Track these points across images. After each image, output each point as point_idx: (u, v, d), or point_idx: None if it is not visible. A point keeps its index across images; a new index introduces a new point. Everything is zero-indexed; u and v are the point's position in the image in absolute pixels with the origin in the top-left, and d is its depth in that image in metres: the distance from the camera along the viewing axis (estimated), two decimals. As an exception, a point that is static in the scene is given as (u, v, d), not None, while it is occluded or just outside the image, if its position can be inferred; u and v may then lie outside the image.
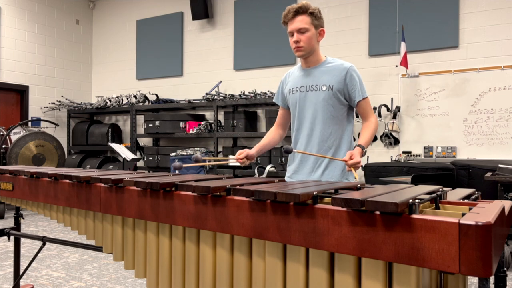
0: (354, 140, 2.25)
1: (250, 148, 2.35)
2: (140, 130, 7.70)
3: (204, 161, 2.01)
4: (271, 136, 2.38)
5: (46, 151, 6.56)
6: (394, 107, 5.59)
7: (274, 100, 2.41)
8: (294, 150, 1.97)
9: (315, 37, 2.12)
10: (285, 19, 2.13)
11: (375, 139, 5.75)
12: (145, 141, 7.77)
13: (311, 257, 1.18)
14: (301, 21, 2.07)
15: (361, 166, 1.89)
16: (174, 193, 1.48)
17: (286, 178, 2.28)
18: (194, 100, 6.87)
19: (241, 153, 2.19)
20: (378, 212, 1.05)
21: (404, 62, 5.26)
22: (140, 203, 1.58)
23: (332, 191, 1.36)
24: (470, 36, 5.28)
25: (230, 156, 2.28)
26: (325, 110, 2.12)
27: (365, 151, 2.00)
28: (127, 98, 7.51)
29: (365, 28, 5.89)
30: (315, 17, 2.10)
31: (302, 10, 2.08)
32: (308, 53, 2.13)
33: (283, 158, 5.85)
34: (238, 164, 2.19)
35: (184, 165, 1.90)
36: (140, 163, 7.34)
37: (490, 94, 5.11)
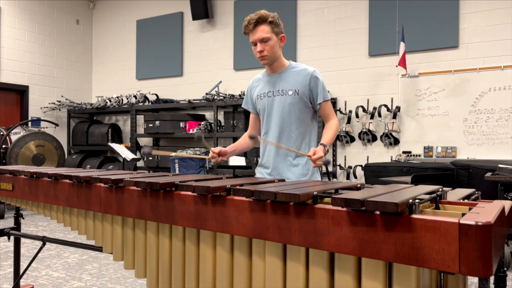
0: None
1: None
2: (140, 130, 7.70)
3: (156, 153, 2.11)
4: (245, 140, 2.45)
5: (46, 151, 6.56)
6: (394, 107, 5.59)
7: (243, 106, 2.49)
8: (260, 137, 2.06)
9: (277, 44, 2.20)
10: (245, 30, 2.19)
11: (375, 139, 5.75)
12: (145, 141, 7.77)
13: (311, 257, 1.18)
14: (262, 31, 2.14)
15: (327, 162, 2.02)
16: (174, 193, 1.48)
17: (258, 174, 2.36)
18: (194, 100, 6.87)
19: (216, 148, 2.25)
20: (378, 212, 1.05)
21: (402, 63, 5.26)
22: (140, 203, 1.58)
23: (332, 191, 1.36)
24: (470, 36, 5.28)
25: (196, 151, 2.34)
26: (292, 114, 2.22)
27: (328, 149, 2.12)
28: (127, 98, 7.51)
29: (365, 28, 5.89)
30: (275, 24, 2.16)
31: (261, 20, 2.14)
32: (272, 60, 2.22)
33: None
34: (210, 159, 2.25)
35: (154, 152, 2.02)
36: (140, 163, 7.34)
37: (490, 94, 5.11)
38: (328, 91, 5.98)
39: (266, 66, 2.29)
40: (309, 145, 2.25)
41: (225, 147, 2.29)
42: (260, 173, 2.36)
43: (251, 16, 2.16)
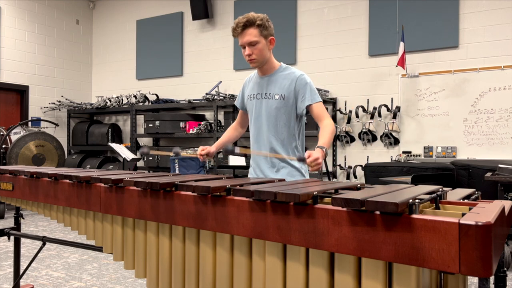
0: (307, 149, 2.33)
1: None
2: (140, 130, 7.70)
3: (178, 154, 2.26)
4: (230, 134, 2.48)
5: (46, 151, 6.56)
6: (394, 107, 5.59)
7: (235, 103, 2.50)
8: (237, 149, 2.11)
9: (266, 47, 2.18)
10: (234, 33, 2.18)
11: (375, 139, 5.75)
12: (145, 141, 7.77)
13: (311, 257, 1.18)
14: (250, 34, 2.13)
15: (321, 167, 1.91)
16: (174, 193, 1.48)
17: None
18: (194, 100, 6.87)
19: (204, 149, 2.29)
20: (378, 212, 1.05)
21: (401, 62, 5.25)
22: (140, 203, 1.58)
23: (332, 191, 1.36)
24: (470, 36, 5.28)
25: (189, 151, 2.46)
26: (278, 118, 2.19)
27: (327, 152, 1.99)
28: (127, 98, 7.51)
29: (365, 28, 5.89)
30: (263, 27, 2.14)
31: (249, 23, 2.13)
32: (261, 63, 2.20)
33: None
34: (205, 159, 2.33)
35: (152, 152, 2.12)
36: (140, 163, 7.34)
37: (490, 94, 5.11)
38: (328, 91, 5.93)
39: (257, 68, 2.28)
40: (297, 150, 2.22)
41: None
42: (250, 173, 2.37)
43: (239, 19, 2.15)
